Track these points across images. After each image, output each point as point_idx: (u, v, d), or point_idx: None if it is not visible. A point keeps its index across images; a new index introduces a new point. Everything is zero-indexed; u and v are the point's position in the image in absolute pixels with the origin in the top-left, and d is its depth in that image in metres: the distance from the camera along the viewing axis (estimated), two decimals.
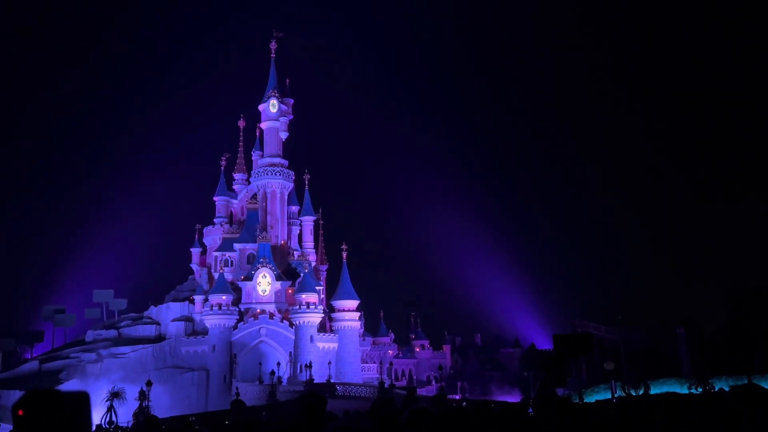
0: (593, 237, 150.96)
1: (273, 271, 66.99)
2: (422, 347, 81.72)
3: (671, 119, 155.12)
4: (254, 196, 74.63)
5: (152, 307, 73.54)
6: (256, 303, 66.25)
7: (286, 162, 74.70)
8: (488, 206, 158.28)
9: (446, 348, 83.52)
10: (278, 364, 61.24)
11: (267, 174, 72.88)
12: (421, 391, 67.91)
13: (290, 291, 67.44)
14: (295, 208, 77.45)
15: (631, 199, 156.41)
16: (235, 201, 78.76)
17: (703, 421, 5.96)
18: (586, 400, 48.54)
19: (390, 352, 77.49)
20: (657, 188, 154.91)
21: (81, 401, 3.16)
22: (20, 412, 3.01)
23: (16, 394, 59.63)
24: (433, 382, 74.05)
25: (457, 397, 65.00)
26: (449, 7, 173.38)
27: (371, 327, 78.53)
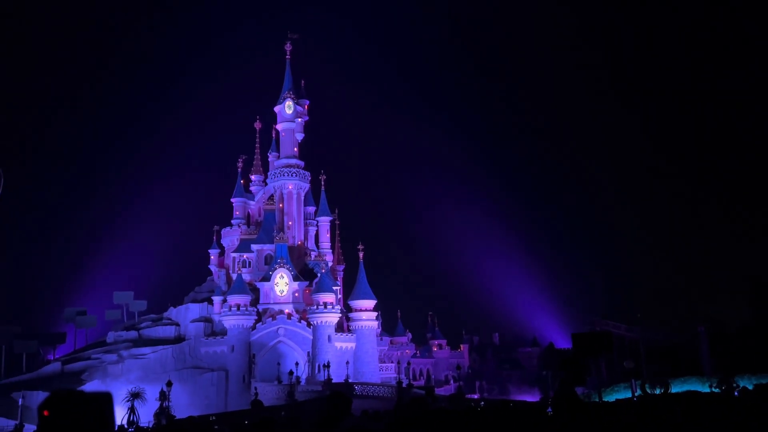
0: (611, 235, 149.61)
1: (290, 271, 67.27)
2: (440, 347, 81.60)
3: (672, 118, 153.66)
4: (271, 198, 75.05)
5: (171, 308, 74.22)
6: (274, 303, 66.59)
7: (302, 163, 74.98)
8: (505, 204, 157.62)
9: (464, 347, 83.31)
10: (296, 364, 61.49)
11: (283, 175, 73.22)
12: (440, 391, 67.78)
13: (307, 291, 67.72)
14: (311, 209, 77.70)
15: (648, 197, 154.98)
16: (252, 202, 79.22)
17: (724, 420, 5.90)
18: (606, 399, 48.16)
19: (407, 351, 77.44)
20: (674, 186, 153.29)
21: (104, 401, 3.23)
22: (45, 413, 3.08)
23: (40, 395, 60.53)
24: (452, 382, 73.90)
25: (476, 397, 64.82)
26: (461, 7, 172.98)
27: (388, 327, 78.59)
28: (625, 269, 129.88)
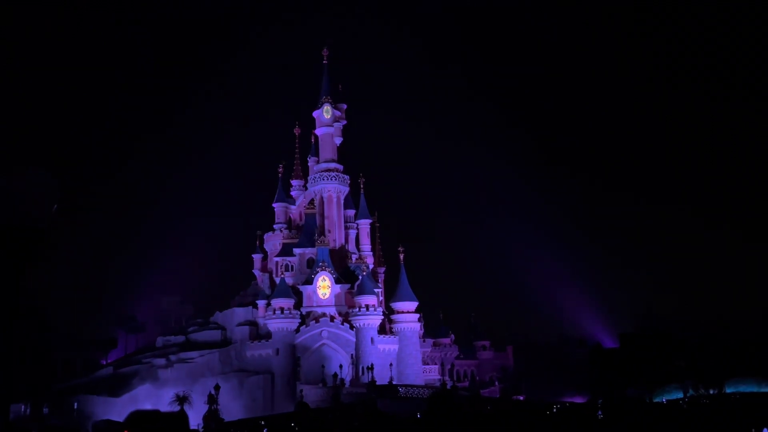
0: (660, 232, 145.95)
1: (332, 274, 67.70)
2: (484, 348, 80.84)
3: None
4: (311, 202, 75.69)
5: (217, 312, 75.64)
6: (317, 306, 67.11)
7: (341, 167, 75.44)
8: (548, 203, 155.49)
9: (508, 349, 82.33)
10: (341, 366, 61.84)
11: (323, 179, 73.82)
12: (484, 393, 67.22)
13: (349, 294, 68.01)
14: (351, 212, 78.08)
15: (698, 194, 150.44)
16: (293, 207, 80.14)
17: None
18: (657, 400, 46.90)
19: (451, 353, 76.99)
20: (720, 183, 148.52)
21: (180, 421, 3.34)
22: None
23: (94, 399, 62.44)
24: (496, 383, 73.16)
25: (521, 398, 64.00)
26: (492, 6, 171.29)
27: (431, 328, 78.25)
28: (676, 266, 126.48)
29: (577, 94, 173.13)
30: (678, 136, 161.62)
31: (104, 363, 77.43)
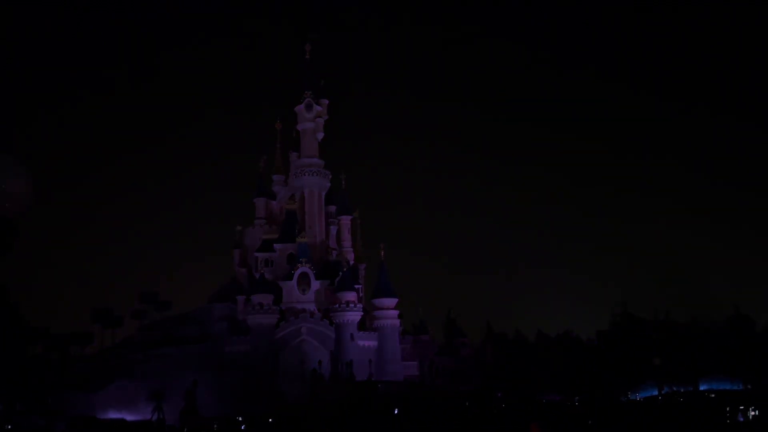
0: (641, 227, 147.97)
1: (312, 270, 67.55)
2: (463, 344, 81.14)
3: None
4: (292, 197, 75.39)
5: (196, 307, 74.96)
6: (297, 302, 66.91)
7: (322, 162, 75.23)
8: (528, 201, 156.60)
9: (488, 345, 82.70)
10: (320, 362, 61.78)
11: (304, 174, 73.55)
12: (463, 389, 67.50)
13: (329, 290, 67.91)
14: (332, 208, 77.93)
15: (677, 189, 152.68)
16: (274, 202, 79.78)
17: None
18: (633, 397, 47.56)
19: (431, 349, 77.15)
20: (702, 177, 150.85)
21: (121, 429, 3.27)
22: None
23: (69, 395, 61.55)
24: (474, 380, 73.52)
25: (500, 395, 64.44)
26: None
27: (411, 325, 78.41)
28: (655, 262, 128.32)
29: (564, 87, 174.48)
30: (663, 135, 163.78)
31: (80, 358, 76.32)
